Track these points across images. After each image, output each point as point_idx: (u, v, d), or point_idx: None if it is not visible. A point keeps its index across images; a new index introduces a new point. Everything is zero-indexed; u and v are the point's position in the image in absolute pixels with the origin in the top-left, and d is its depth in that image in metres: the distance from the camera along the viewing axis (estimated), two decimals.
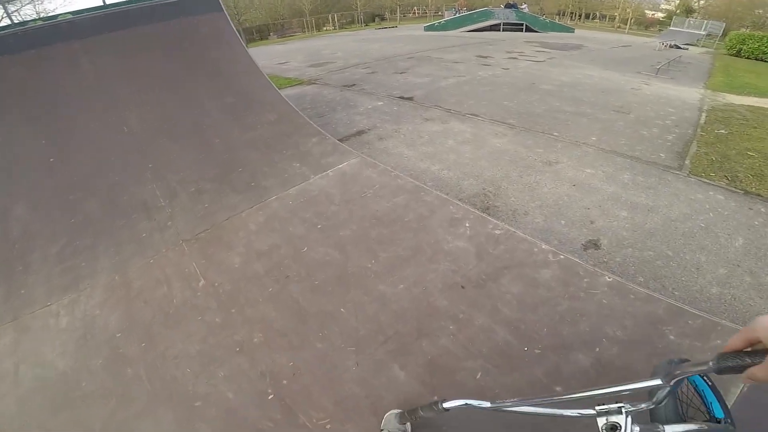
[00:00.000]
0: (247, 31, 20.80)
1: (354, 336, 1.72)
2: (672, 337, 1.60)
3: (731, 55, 17.42)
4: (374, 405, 1.44)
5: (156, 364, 1.70)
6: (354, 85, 6.02)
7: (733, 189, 2.94)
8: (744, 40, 17.26)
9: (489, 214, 2.60)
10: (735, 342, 0.54)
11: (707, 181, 3.07)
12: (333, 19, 24.47)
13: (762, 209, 2.66)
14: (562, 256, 2.06)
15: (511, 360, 1.55)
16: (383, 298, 1.88)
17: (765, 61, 15.88)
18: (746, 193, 2.88)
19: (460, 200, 2.70)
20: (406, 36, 14.31)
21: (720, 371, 0.52)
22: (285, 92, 5.37)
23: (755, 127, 4.56)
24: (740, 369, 0.52)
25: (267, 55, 9.59)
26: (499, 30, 18.89)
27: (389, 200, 2.54)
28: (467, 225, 2.32)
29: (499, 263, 2.03)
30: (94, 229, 2.59)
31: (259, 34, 21.72)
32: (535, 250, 2.12)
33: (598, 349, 1.57)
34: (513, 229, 2.29)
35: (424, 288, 1.92)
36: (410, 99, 5.20)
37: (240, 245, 2.35)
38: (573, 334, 1.64)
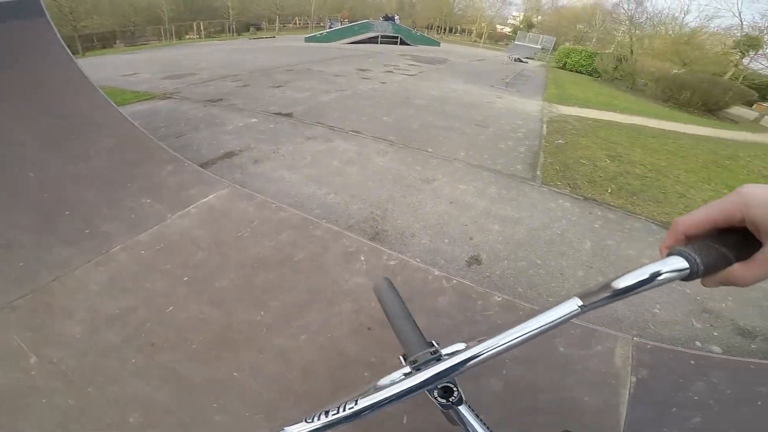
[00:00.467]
0: (86, 38, 17.55)
1: (259, 401, 1.45)
2: (561, 349, 1.73)
3: (559, 68, 21.43)
4: None
5: None
6: (221, 99, 5.41)
7: (576, 196, 3.47)
8: (568, 53, 21.40)
9: (380, 241, 2.53)
10: (694, 222, 0.36)
11: (556, 189, 3.56)
12: (198, 27, 22.33)
13: (599, 212, 3.19)
14: (455, 281, 2.08)
15: None
16: (284, 354, 1.62)
17: (583, 74, 20.00)
18: (585, 198, 3.42)
19: (350, 229, 2.56)
20: (285, 47, 13.79)
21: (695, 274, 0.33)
22: (131, 108, 4.51)
23: (583, 136, 5.57)
24: (714, 266, 0.33)
25: (112, 66, 8.02)
26: (377, 42, 19.80)
27: (273, 238, 2.25)
28: (362, 258, 2.18)
29: None
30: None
31: (102, 42, 18.47)
32: (430, 277, 2.10)
33: (504, 372, 1.60)
34: (406, 258, 2.24)
35: (329, 335, 1.72)
36: (289, 115, 4.90)
37: (80, 311, 1.80)
38: None
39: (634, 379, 1.65)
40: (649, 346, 1.82)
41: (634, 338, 1.85)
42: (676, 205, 3.61)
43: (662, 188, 3.95)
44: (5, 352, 1.63)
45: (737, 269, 0.34)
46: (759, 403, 1.61)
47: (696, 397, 1.61)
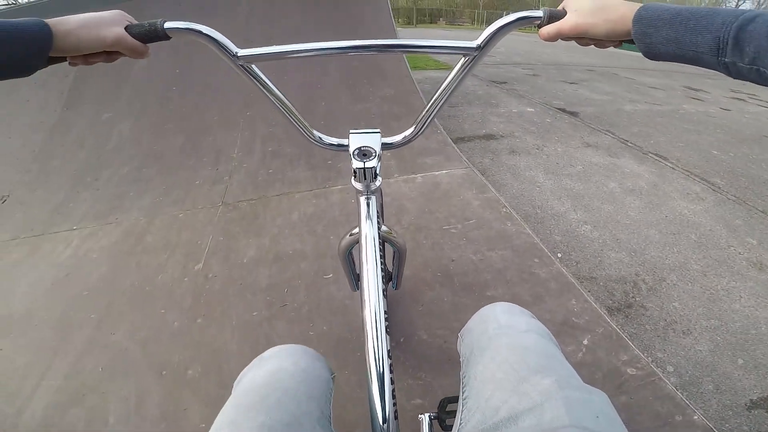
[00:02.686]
0: (420, 12, 21.73)
1: None
2: None
3: None
4: None
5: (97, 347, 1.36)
6: (505, 83, 5.04)
7: None
8: None
9: (626, 321, 1.58)
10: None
11: None
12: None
13: None
14: None
15: None
16: None
17: None
18: None
19: (590, 282, 1.71)
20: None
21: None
22: (424, 74, 4.77)
23: None
24: (553, 19, 0.51)
25: (427, 35, 9.10)
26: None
27: (479, 250, 1.71)
28: (585, 342, 1.35)
29: None
30: (166, 161, 2.47)
31: (430, 17, 22.43)
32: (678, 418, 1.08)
33: None
34: (659, 372, 1.24)
35: None
36: (573, 114, 4.01)
37: (261, 235, 1.89)
38: None
39: None
40: None
41: None
42: None
43: None
44: (193, 246, 1.88)
45: (548, 27, 0.52)
46: None
47: None
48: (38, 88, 3.13)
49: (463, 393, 0.59)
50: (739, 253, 2.15)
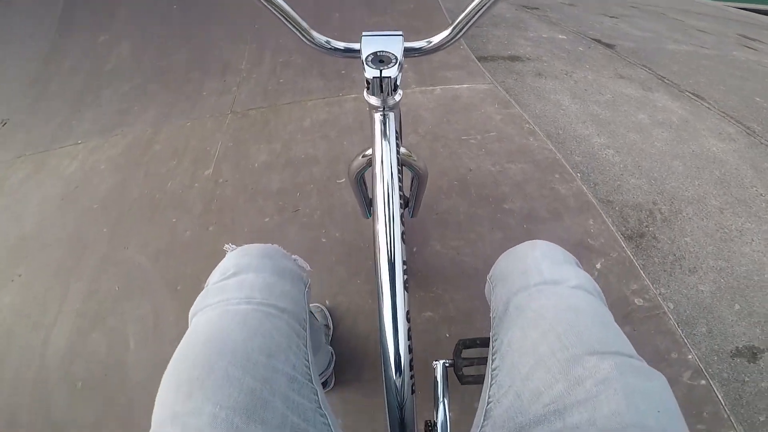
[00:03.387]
0: None
1: None
2: None
3: None
4: None
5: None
6: (538, 8, 4.60)
7: None
8: None
9: (638, 252, 1.56)
10: None
11: None
12: None
13: None
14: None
15: None
16: None
17: None
18: None
19: (606, 206, 1.67)
20: None
21: None
22: None
23: None
24: None
25: None
26: None
27: (498, 162, 1.65)
28: (598, 266, 1.33)
29: None
30: (170, 77, 2.39)
31: None
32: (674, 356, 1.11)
33: None
34: (664, 307, 1.24)
35: None
36: (609, 46, 3.70)
37: (272, 141, 1.85)
38: None
39: None
40: None
41: None
42: None
43: None
44: (202, 152, 1.84)
45: None
46: None
47: None
48: (26, 19, 3.02)
49: (492, 359, 0.50)
50: (761, 195, 2.07)
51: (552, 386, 0.39)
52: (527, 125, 1.81)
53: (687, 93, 3.01)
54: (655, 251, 1.66)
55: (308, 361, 0.49)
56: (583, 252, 1.33)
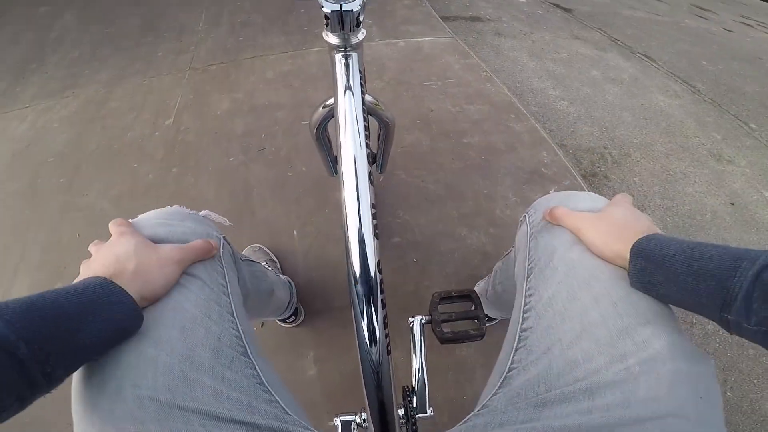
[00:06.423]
0: None
1: None
2: None
3: None
4: None
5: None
6: None
7: None
8: None
9: (591, 186, 1.68)
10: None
11: None
12: None
13: None
14: None
15: None
16: None
17: None
18: None
19: (560, 147, 1.77)
20: None
21: None
22: None
23: None
24: None
25: None
26: None
27: (458, 104, 1.71)
28: (551, 191, 1.44)
29: None
30: (121, 42, 2.30)
31: None
32: None
33: None
34: None
35: None
36: (567, 10, 3.81)
37: (234, 91, 1.83)
38: None
39: None
40: None
41: None
42: None
43: None
44: (162, 106, 1.80)
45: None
46: None
47: None
48: None
49: (523, 317, 0.43)
50: (702, 144, 2.24)
51: (592, 359, 0.34)
52: (485, 73, 1.88)
53: (638, 54, 3.17)
54: (607, 189, 1.78)
55: (239, 332, 0.43)
56: (537, 179, 1.42)
